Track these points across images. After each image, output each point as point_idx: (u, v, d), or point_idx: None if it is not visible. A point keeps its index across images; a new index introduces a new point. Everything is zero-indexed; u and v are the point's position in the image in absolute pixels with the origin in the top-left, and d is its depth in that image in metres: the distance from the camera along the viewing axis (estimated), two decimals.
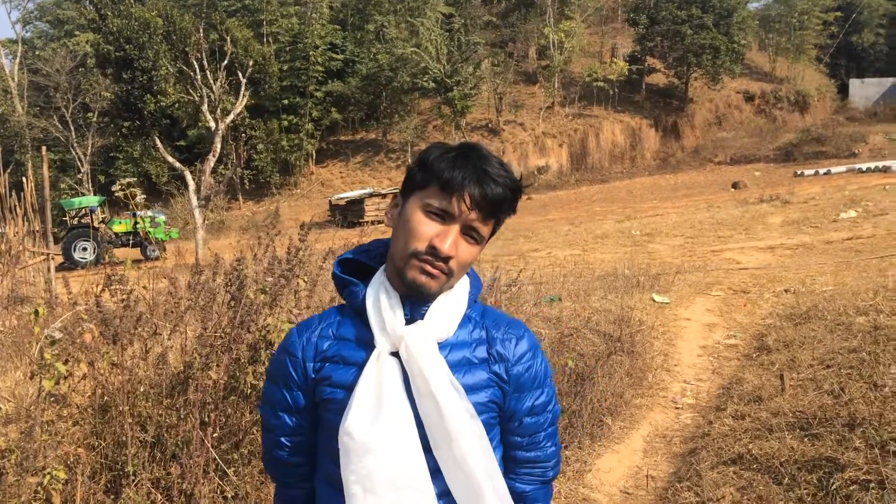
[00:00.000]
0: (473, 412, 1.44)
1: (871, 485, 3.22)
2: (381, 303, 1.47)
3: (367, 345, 1.47)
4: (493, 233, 1.51)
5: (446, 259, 1.41)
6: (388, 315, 1.45)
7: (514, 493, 1.60)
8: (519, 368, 1.54)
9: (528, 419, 1.57)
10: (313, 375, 1.52)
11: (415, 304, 1.48)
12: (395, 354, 1.45)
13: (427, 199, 1.43)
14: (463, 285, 1.54)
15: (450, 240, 1.40)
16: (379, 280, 1.51)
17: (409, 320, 1.47)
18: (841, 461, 3.50)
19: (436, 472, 1.45)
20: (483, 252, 1.62)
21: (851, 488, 3.26)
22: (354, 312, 1.53)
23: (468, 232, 1.44)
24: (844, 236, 12.81)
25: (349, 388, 1.45)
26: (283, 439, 1.60)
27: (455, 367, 1.47)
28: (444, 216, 1.42)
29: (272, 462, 1.66)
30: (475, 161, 1.43)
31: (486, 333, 1.54)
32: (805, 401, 4.42)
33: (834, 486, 3.31)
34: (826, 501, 3.28)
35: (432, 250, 1.40)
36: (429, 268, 1.41)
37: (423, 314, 1.48)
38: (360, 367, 1.46)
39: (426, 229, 1.41)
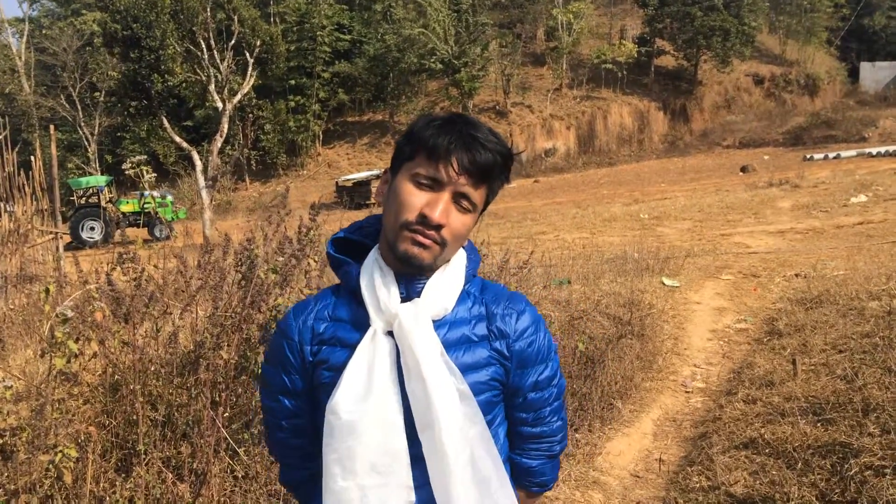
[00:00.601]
0: (468, 393, 1.40)
1: (887, 471, 3.19)
2: (374, 281, 1.43)
3: (364, 325, 1.43)
4: (486, 203, 1.47)
5: (438, 227, 1.36)
6: (382, 293, 1.41)
7: (521, 468, 1.59)
8: (521, 344, 1.49)
9: (532, 395, 1.54)
10: (311, 359, 1.48)
11: (410, 281, 1.44)
12: (391, 333, 1.41)
13: (415, 168, 1.39)
14: (459, 260, 1.50)
15: (440, 207, 1.36)
16: (373, 258, 1.47)
17: (405, 298, 1.43)
18: (855, 446, 3.47)
19: (420, 460, 1.41)
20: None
21: (866, 474, 3.23)
22: (350, 292, 1.49)
23: (459, 200, 1.39)
24: (855, 221, 12.73)
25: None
26: (282, 422, 1.58)
27: (455, 345, 1.43)
28: (433, 184, 1.37)
29: (274, 443, 1.64)
30: (462, 127, 1.39)
31: (486, 309, 1.50)
32: (818, 385, 4.38)
33: (849, 472, 3.29)
34: (840, 487, 3.25)
35: (423, 219, 1.36)
36: (420, 238, 1.36)
37: (419, 291, 1.43)
38: (356, 348, 1.42)
39: (416, 199, 1.37)
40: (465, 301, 1.49)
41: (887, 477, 3.14)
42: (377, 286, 1.42)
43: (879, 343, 4.80)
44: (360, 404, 1.37)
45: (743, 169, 28.66)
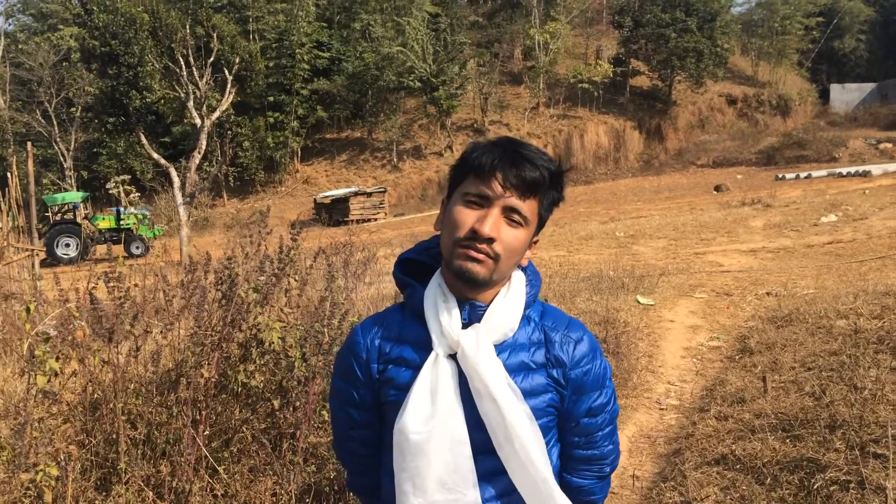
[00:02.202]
0: (531, 414, 1.45)
1: (852, 485, 3.29)
2: (438, 306, 1.48)
3: (427, 347, 1.48)
4: (541, 218, 1.51)
5: (489, 241, 1.40)
6: (444, 318, 1.46)
7: (572, 486, 1.63)
8: (577, 372, 1.53)
9: (585, 420, 1.58)
10: (377, 376, 1.55)
11: (473, 306, 1.48)
12: (454, 356, 1.46)
13: (465, 189, 1.45)
14: (520, 284, 1.54)
15: (490, 222, 1.40)
16: (436, 282, 1.51)
17: (467, 323, 1.47)
18: (822, 462, 3.57)
19: (489, 476, 1.47)
20: None
21: (832, 488, 3.33)
22: (414, 313, 1.54)
23: (509, 215, 1.43)
24: (825, 240, 12.96)
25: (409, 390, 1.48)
26: (350, 432, 1.65)
27: (514, 371, 1.48)
28: (482, 201, 1.42)
29: (342, 451, 1.72)
30: (507, 145, 1.45)
31: (545, 336, 1.54)
32: (787, 402, 4.49)
33: (815, 487, 3.38)
34: (807, 501, 3.34)
35: (473, 234, 1.40)
36: (473, 253, 1.41)
37: (481, 317, 1.48)
38: (420, 369, 1.48)
39: (467, 217, 1.42)
40: (525, 326, 1.53)
41: (852, 491, 3.25)
42: (440, 311, 1.47)
43: (846, 361, 4.93)
44: (427, 426, 1.42)
45: (717, 188, 29.03)
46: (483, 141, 1.50)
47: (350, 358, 1.59)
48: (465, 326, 1.47)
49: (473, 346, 1.43)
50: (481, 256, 1.41)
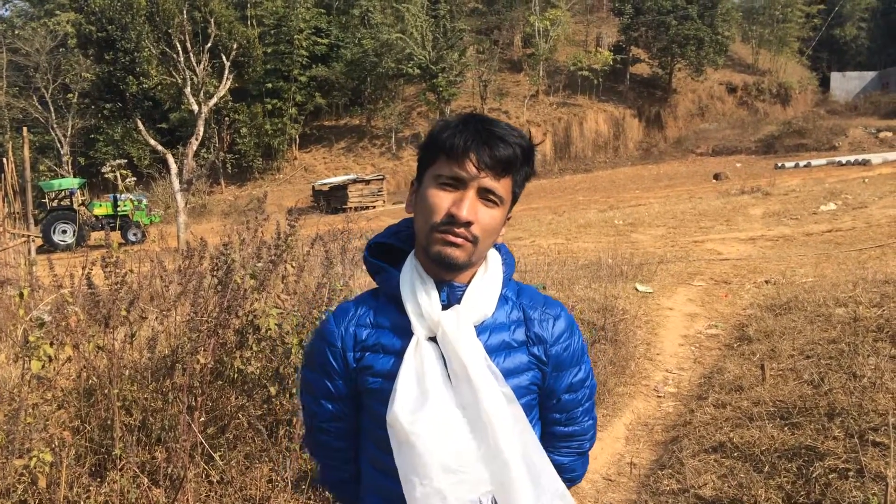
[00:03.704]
0: (512, 396, 1.43)
1: (850, 473, 3.28)
2: (415, 288, 1.44)
3: (405, 331, 1.45)
4: (515, 195, 1.48)
5: (467, 224, 1.37)
6: (423, 301, 1.43)
7: (553, 465, 1.59)
8: (557, 349, 1.53)
9: (566, 396, 1.57)
10: (354, 365, 1.50)
11: (451, 287, 1.46)
12: (434, 339, 1.43)
13: (438, 171, 1.41)
14: (497, 264, 1.52)
15: (466, 205, 1.37)
16: (411, 265, 1.48)
17: (446, 305, 1.45)
18: (820, 450, 3.56)
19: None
20: None
21: (831, 476, 3.32)
22: (389, 298, 1.51)
23: (485, 195, 1.40)
24: (824, 228, 12.94)
25: (392, 377, 1.44)
26: (325, 425, 1.60)
27: (495, 350, 1.46)
28: (456, 183, 1.39)
29: (315, 445, 1.66)
30: (478, 124, 1.42)
31: (524, 314, 1.52)
32: (785, 390, 4.48)
33: (814, 474, 3.37)
34: (805, 489, 3.33)
35: (451, 218, 1.37)
36: (451, 237, 1.38)
37: (460, 298, 1.45)
38: (400, 355, 1.44)
39: (442, 201, 1.39)
40: (503, 305, 1.51)
41: (850, 479, 3.23)
42: (418, 293, 1.44)
43: (845, 349, 4.92)
44: (419, 413, 1.38)
45: (716, 176, 28.98)
46: (451, 119, 1.45)
47: (325, 348, 1.53)
48: (444, 308, 1.44)
49: (454, 326, 1.41)
50: (460, 241, 1.39)
